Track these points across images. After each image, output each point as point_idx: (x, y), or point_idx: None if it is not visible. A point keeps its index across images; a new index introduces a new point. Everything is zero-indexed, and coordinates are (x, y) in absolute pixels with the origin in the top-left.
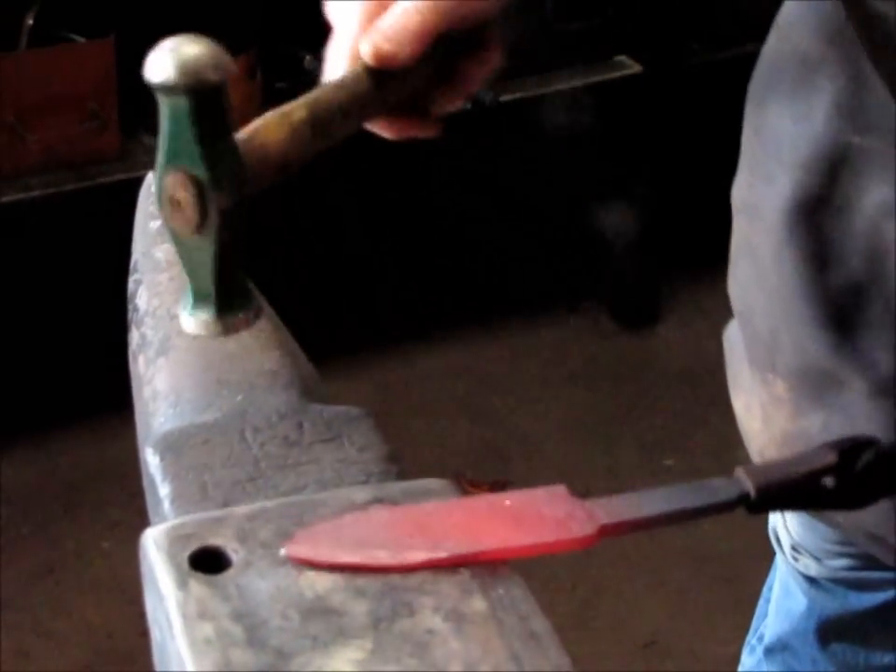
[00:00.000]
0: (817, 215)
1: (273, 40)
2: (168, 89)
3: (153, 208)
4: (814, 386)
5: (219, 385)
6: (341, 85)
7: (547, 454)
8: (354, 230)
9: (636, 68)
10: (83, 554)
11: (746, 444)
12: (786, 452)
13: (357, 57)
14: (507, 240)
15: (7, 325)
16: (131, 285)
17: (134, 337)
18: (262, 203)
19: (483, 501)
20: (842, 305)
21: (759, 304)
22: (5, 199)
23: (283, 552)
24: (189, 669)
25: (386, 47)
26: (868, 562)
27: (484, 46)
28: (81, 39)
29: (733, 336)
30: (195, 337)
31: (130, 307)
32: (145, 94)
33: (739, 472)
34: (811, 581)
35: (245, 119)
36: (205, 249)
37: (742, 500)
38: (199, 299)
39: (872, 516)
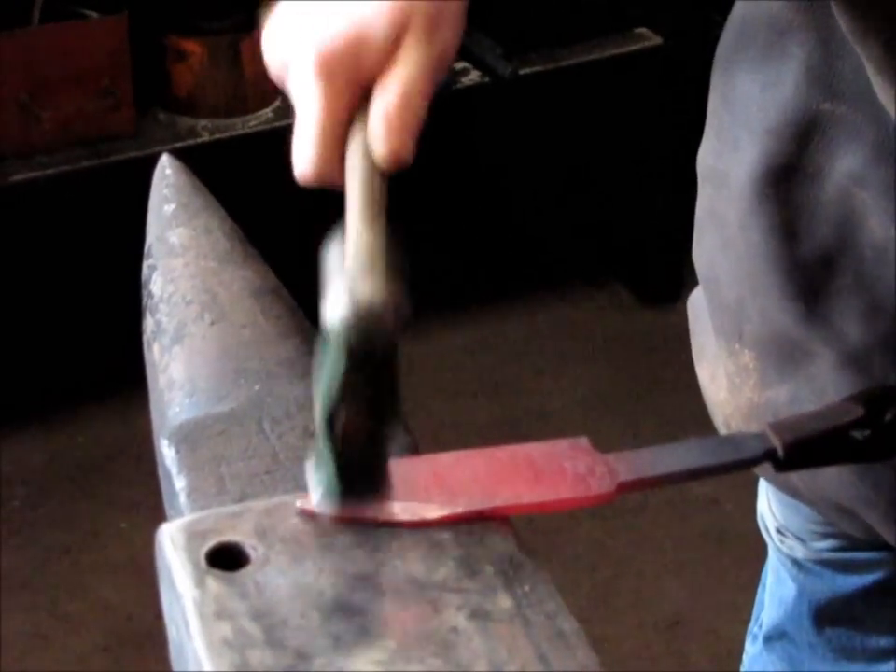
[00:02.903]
0: (785, 182)
1: None
2: (356, 341)
3: (167, 191)
4: (781, 357)
5: (236, 374)
6: (381, 203)
7: (568, 431)
8: None
9: (656, 40)
10: (100, 535)
11: (710, 414)
12: (752, 423)
13: (339, 137)
14: (527, 216)
15: (23, 304)
16: (145, 270)
17: (149, 324)
18: (274, 178)
19: (505, 452)
20: (811, 274)
21: (725, 273)
22: (19, 177)
23: (298, 503)
24: (206, 670)
25: (404, 153)
26: (852, 543)
27: None
28: (94, 14)
29: (697, 304)
30: (211, 324)
31: (144, 293)
32: (159, 70)
33: (766, 428)
34: (798, 565)
35: (263, 95)
36: (370, 456)
37: (768, 457)
38: (340, 484)
39: (840, 490)
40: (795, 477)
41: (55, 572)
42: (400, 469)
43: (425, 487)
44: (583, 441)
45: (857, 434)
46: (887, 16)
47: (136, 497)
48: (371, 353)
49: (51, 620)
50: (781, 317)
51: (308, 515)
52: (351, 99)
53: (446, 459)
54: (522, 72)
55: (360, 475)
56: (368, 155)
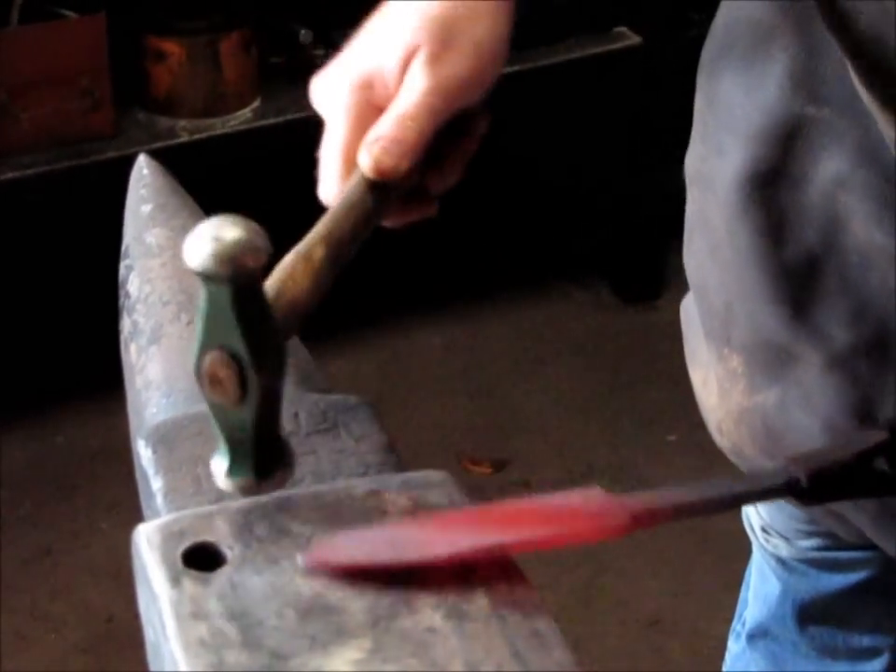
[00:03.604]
0: (770, 187)
1: (267, 15)
2: (208, 277)
3: (144, 191)
4: (769, 361)
5: None
6: (349, 206)
7: (548, 429)
8: None
9: (635, 39)
10: (81, 536)
11: (704, 419)
12: (743, 427)
13: (351, 161)
14: (507, 214)
15: (3, 305)
16: (122, 270)
17: (126, 324)
18: (252, 178)
19: (514, 504)
20: (796, 278)
21: (713, 278)
22: None
23: (298, 559)
24: (182, 671)
25: (387, 161)
26: (837, 542)
27: (475, 119)
28: (73, 15)
29: (690, 309)
30: (188, 324)
31: (121, 293)
32: (138, 70)
33: (787, 461)
34: (783, 563)
35: (242, 95)
36: (245, 420)
37: (791, 489)
38: (236, 463)
39: None
40: None
41: (36, 573)
42: (403, 526)
43: (431, 536)
44: (596, 489)
45: (879, 463)
46: (872, 14)
47: (117, 497)
48: (233, 291)
49: (32, 620)
50: (768, 321)
51: (318, 567)
52: (368, 126)
53: (453, 514)
54: (501, 71)
55: (254, 437)
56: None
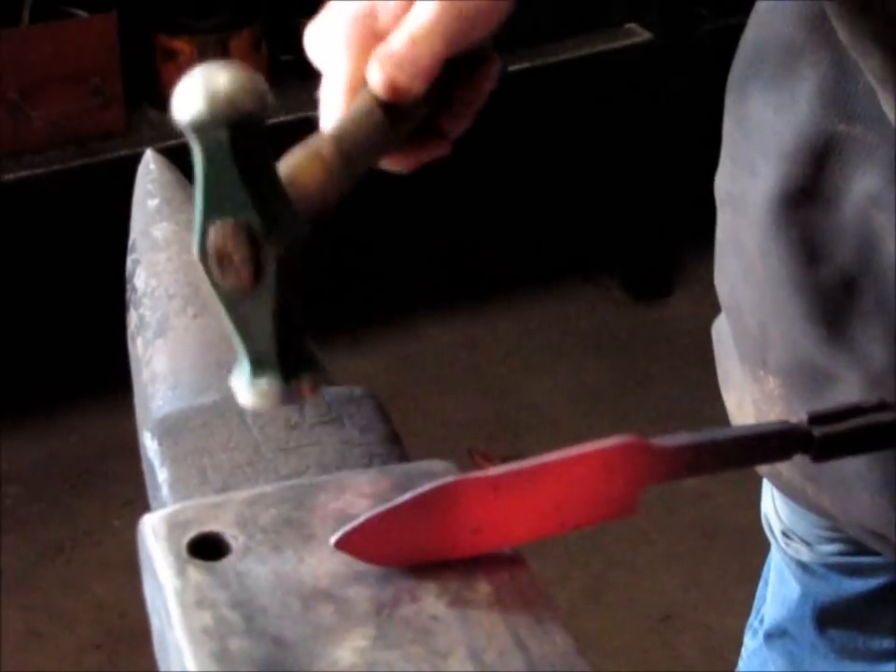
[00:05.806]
0: (803, 206)
1: (278, 12)
2: (202, 125)
3: (151, 186)
4: (806, 382)
5: (218, 367)
6: (358, 121)
7: (559, 426)
8: (363, 202)
9: (645, 36)
10: (94, 533)
11: None
12: None
13: (356, 93)
14: (519, 211)
15: (13, 303)
16: (129, 265)
17: (133, 318)
18: None
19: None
20: (832, 298)
21: (747, 299)
22: (9, 176)
23: (331, 540)
24: (186, 659)
25: (402, 79)
26: (859, 547)
27: (485, 60)
28: (83, 14)
29: (722, 331)
30: (194, 317)
31: (128, 288)
32: (148, 69)
33: (801, 416)
34: (803, 567)
35: None
36: (263, 308)
37: (802, 444)
38: (258, 367)
39: (870, 515)
40: (828, 502)
41: (49, 570)
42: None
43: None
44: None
45: (883, 416)
46: (887, 22)
47: (130, 494)
48: (233, 140)
49: (46, 617)
50: (804, 342)
51: (348, 549)
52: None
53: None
54: (511, 68)
55: (275, 331)
56: (369, 91)
